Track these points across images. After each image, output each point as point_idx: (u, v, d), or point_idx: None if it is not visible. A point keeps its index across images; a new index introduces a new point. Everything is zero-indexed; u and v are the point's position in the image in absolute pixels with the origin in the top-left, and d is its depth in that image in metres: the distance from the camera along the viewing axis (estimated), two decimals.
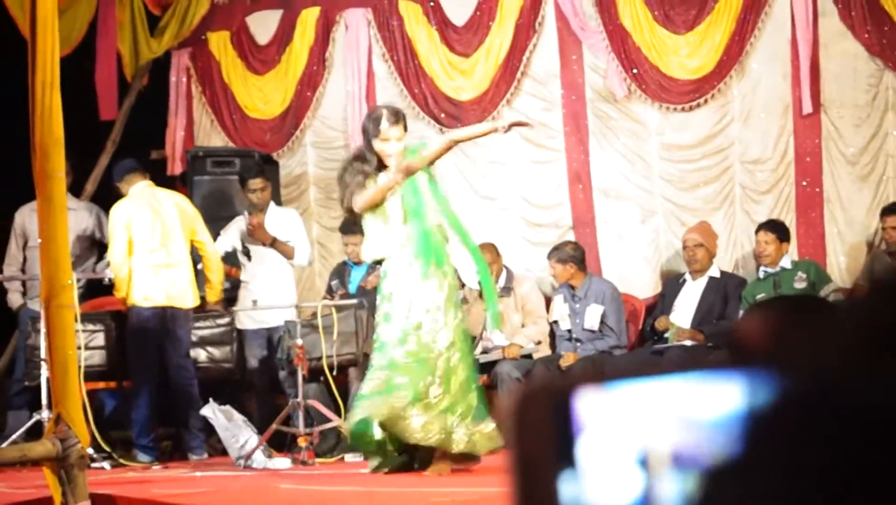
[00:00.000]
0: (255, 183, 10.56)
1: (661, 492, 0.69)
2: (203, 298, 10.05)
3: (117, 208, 9.66)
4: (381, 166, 7.77)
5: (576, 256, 10.42)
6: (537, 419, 0.71)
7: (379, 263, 8.00)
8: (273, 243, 10.50)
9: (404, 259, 7.70)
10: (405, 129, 7.89)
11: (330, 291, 10.25)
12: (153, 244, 9.57)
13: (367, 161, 7.81)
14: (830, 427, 0.66)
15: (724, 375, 0.70)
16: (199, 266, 9.90)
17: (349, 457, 9.40)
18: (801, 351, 0.69)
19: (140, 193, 9.70)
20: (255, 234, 10.46)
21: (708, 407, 0.70)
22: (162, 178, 10.99)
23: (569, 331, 10.36)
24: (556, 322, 10.46)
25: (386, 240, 7.76)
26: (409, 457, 7.76)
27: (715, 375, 0.71)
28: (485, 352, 10.11)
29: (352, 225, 10.20)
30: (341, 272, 10.33)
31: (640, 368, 0.70)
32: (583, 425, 0.70)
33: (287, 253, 10.52)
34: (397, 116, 7.87)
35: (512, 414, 0.72)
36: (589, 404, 0.70)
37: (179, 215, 9.73)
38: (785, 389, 0.68)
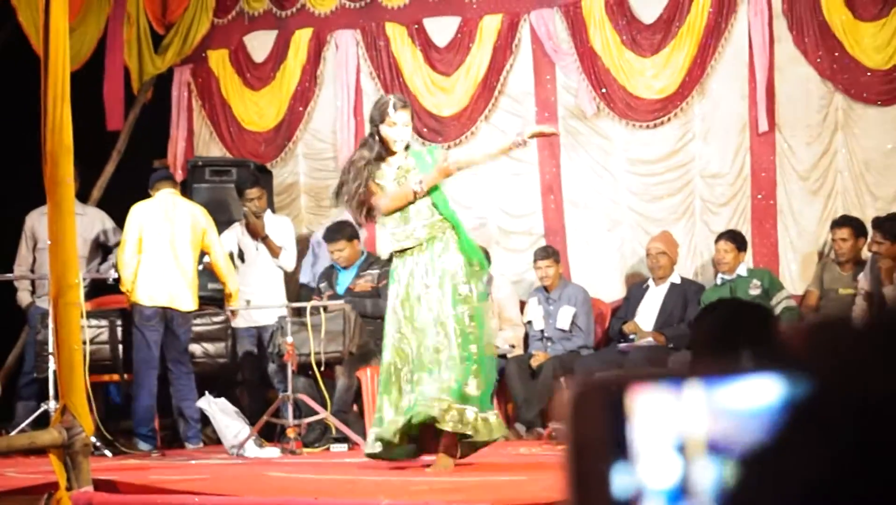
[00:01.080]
0: (253, 192, 10.61)
1: (697, 475, 0.68)
2: (222, 302, 10.08)
3: (135, 208, 9.67)
4: (386, 154, 7.46)
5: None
6: (592, 413, 0.70)
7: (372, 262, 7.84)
8: (265, 239, 10.58)
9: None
10: (411, 117, 7.62)
11: (318, 293, 10.22)
12: (161, 246, 9.55)
13: (370, 151, 7.46)
14: (855, 423, 0.65)
15: (758, 373, 0.69)
16: (201, 267, 9.88)
17: (335, 447, 9.39)
18: (831, 354, 0.68)
19: (160, 198, 9.70)
20: (252, 224, 10.51)
21: (741, 400, 0.69)
22: (174, 186, 10.95)
23: (541, 331, 10.37)
24: (529, 322, 10.48)
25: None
26: (415, 447, 7.47)
27: (749, 373, 0.69)
28: None
29: (335, 233, 10.20)
30: (329, 275, 10.31)
31: (684, 368, 0.68)
32: (633, 418, 0.69)
33: (274, 251, 10.61)
34: (404, 102, 7.59)
35: (569, 407, 0.71)
36: (638, 399, 0.69)
37: (191, 224, 9.70)
38: (817, 387, 0.67)
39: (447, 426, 7.12)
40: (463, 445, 7.31)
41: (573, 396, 0.70)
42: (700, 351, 3.30)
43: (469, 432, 7.17)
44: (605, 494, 0.69)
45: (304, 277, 10.96)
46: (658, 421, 0.68)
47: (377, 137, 7.48)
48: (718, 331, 3.24)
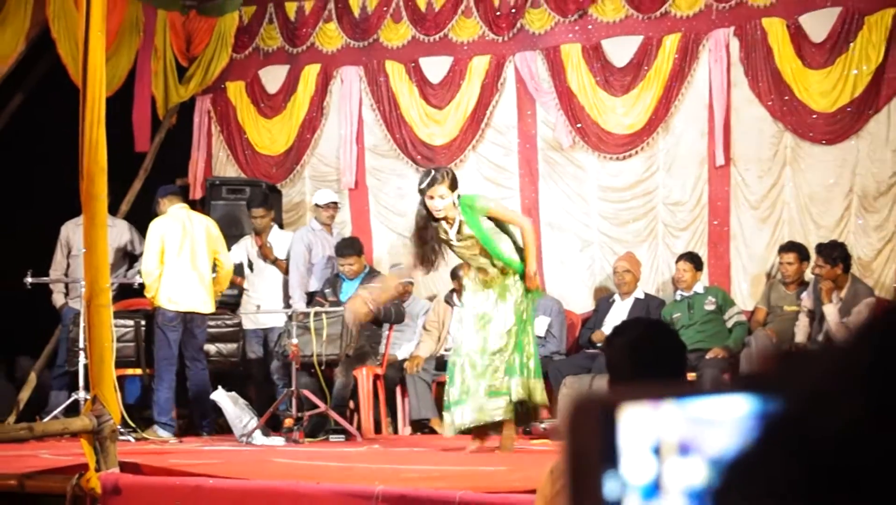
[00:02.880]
0: (257, 212, 10.74)
1: (669, 473, 0.71)
2: (235, 307, 10.13)
3: (155, 223, 9.68)
4: (433, 217, 7.67)
5: None
6: (588, 425, 0.72)
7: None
8: (275, 261, 10.67)
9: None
10: (451, 186, 7.64)
11: (323, 296, 10.23)
12: (182, 257, 9.56)
13: (421, 216, 7.74)
14: (812, 445, 0.67)
15: (729, 392, 0.72)
16: (213, 275, 9.92)
17: (333, 437, 9.40)
18: (796, 378, 0.71)
19: (176, 213, 9.72)
20: (263, 251, 10.65)
21: (711, 412, 0.72)
22: (184, 202, 10.97)
23: None
24: None
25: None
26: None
27: (723, 392, 0.72)
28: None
29: (347, 249, 10.24)
30: (334, 283, 10.33)
31: (668, 389, 0.71)
32: (621, 429, 0.71)
33: (281, 268, 10.68)
34: (435, 178, 7.63)
35: (566, 420, 0.73)
36: (625, 412, 0.72)
37: (206, 236, 9.74)
38: (779, 407, 0.69)
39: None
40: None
41: (570, 410, 0.72)
42: (614, 372, 3.22)
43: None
44: (599, 497, 0.71)
45: (313, 286, 10.97)
46: (639, 428, 0.70)
47: (425, 205, 7.68)
48: (629, 352, 3.18)
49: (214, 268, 9.89)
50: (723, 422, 0.71)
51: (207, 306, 9.73)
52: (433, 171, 7.76)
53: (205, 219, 10.01)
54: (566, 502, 0.73)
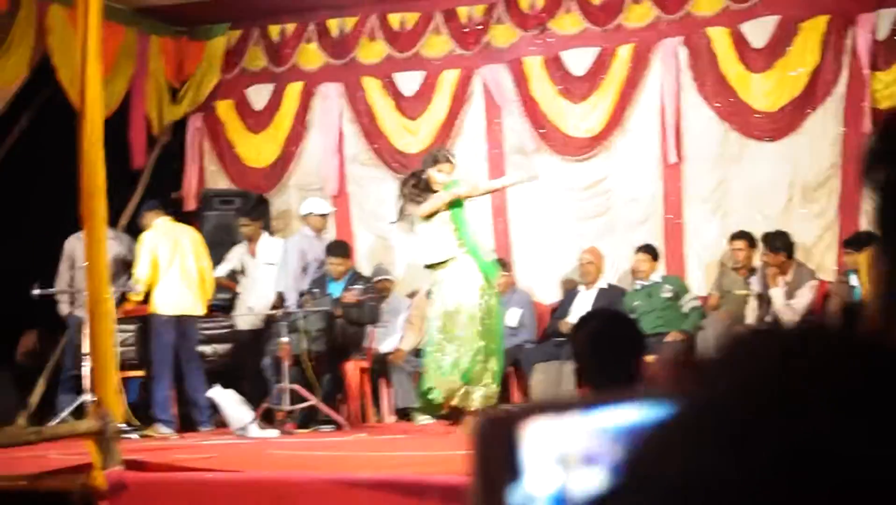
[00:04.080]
0: (242, 221, 10.81)
1: (573, 483, 0.70)
2: (229, 309, 10.13)
3: (145, 236, 9.67)
4: (427, 188, 8.34)
5: None
6: (491, 441, 0.71)
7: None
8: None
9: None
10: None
11: (311, 295, 10.19)
12: (173, 265, 9.55)
13: (419, 182, 8.40)
14: (711, 448, 0.65)
15: (629, 401, 0.71)
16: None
17: (323, 428, 9.39)
18: (693, 385, 0.68)
19: (163, 226, 9.72)
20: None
21: (611, 421, 0.71)
22: (180, 214, 10.96)
23: None
24: None
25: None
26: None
27: (619, 402, 0.71)
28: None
29: (338, 249, 10.24)
30: (321, 283, 10.31)
31: (568, 402, 0.71)
32: (523, 444, 0.71)
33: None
34: (437, 157, 8.53)
35: (473, 436, 0.72)
36: (529, 427, 0.71)
37: (193, 245, 9.75)
38: (676, 413, 0.66)
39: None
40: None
41: (476, 429, 0.71)
42: (579, 359, 3.27)
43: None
44: None
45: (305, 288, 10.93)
46: (544, 441, 0.70)
47: (424, 175, 8.42)
48: (590, 341, 3.22)
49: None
50: (627, 430, 0.70)
51: (199, 309, 9.72)
52: (434, 152, 8.82)
53: (189, 229, 10.08)
54: None
